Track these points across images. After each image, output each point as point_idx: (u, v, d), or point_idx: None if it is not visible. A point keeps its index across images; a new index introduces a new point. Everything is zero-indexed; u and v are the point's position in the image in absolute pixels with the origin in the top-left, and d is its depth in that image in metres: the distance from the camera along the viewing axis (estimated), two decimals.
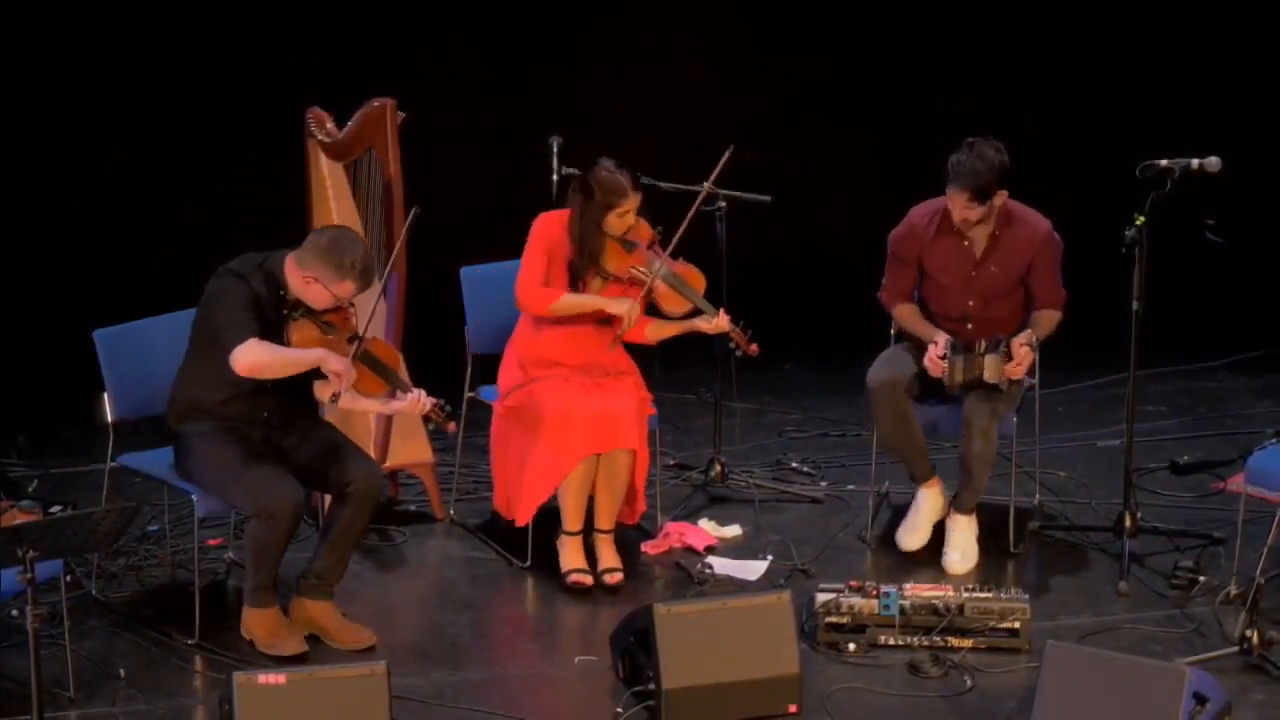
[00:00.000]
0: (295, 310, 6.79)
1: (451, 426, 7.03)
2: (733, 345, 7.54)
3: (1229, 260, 9.68)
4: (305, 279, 6.75)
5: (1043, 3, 10.49)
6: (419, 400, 6.92)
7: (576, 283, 7.39)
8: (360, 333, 6.84)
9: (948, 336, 7.39)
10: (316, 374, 6.85)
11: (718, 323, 7.44)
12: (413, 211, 6.89)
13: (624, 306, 7.35)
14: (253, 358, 6.69)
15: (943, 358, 7.33)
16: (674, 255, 7.44)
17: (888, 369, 7.46)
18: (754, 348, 7.52)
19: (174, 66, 9.78)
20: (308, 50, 9.69)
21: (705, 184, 7.54)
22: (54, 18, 9.67)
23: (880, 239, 7.64)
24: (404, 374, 7.16)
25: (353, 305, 6.90)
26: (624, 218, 7.34)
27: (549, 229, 7.40)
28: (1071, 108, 10.49)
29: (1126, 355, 7.34)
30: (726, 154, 7.43)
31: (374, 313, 6.89)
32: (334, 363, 6.75)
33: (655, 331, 7.52)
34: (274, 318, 6.79)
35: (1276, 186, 10.33)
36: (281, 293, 6.79)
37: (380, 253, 7.73)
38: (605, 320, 7.44)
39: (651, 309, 7.49)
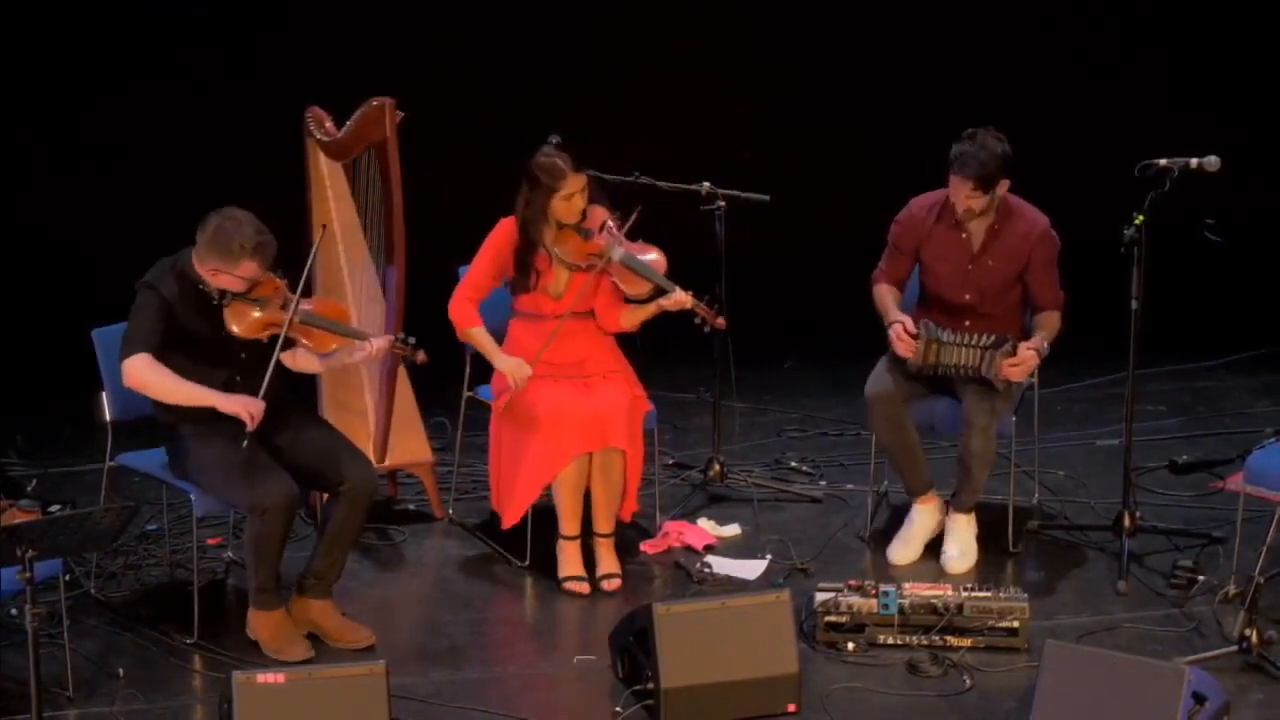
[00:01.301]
0: (224, 297, 6.81)
1: (421, 356, 7.03)
2: (699, 321, 7.47)
3: (1227, 259, 9.67)
4: (210, 272, 6.77)
5: (1042, 2, 10.49)
6: (377, 345, 6.96)
7: (528, 274, 7.36)
8: (294, 297, 6.84)
9: (909, 319, 7.38)
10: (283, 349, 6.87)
11: (678, 299, 7.38)
12: (322, 229, 6.99)
13: (509, 364, 7.32)
14: (139, 375, 6.73)
15: (915, 336, 7.33)
16: (633, 237, 7.42)
17: (884, 381, 7.44)
18: (721, 321, 7.49)
19: (173, 66, 9.78)
20: (308, 50, 9.69)
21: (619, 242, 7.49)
22: (53, 17, 9.67)
23: (879, 238, 7.64)
24: (354, 324, 7.14)
25: (282, 273, 6.89)
26: (570, 201, 7.29)
27: (510, 234, 7.38)
28: (1071, 107, 10.49)
29: (1125, 354, 7.34)
30: (635, 213, 7.41)
31: (307, 272, 6.86)
32: (230, 405, 6.74)
33: (628, 319, 7.49)
34: (199, 314, 6.80)
35: (1275, 185, 10.33)
36: (201, 287, 6.81)
37: (380, 253, 7.74)
38: (588, 316, 7.44)
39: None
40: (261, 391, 6.76)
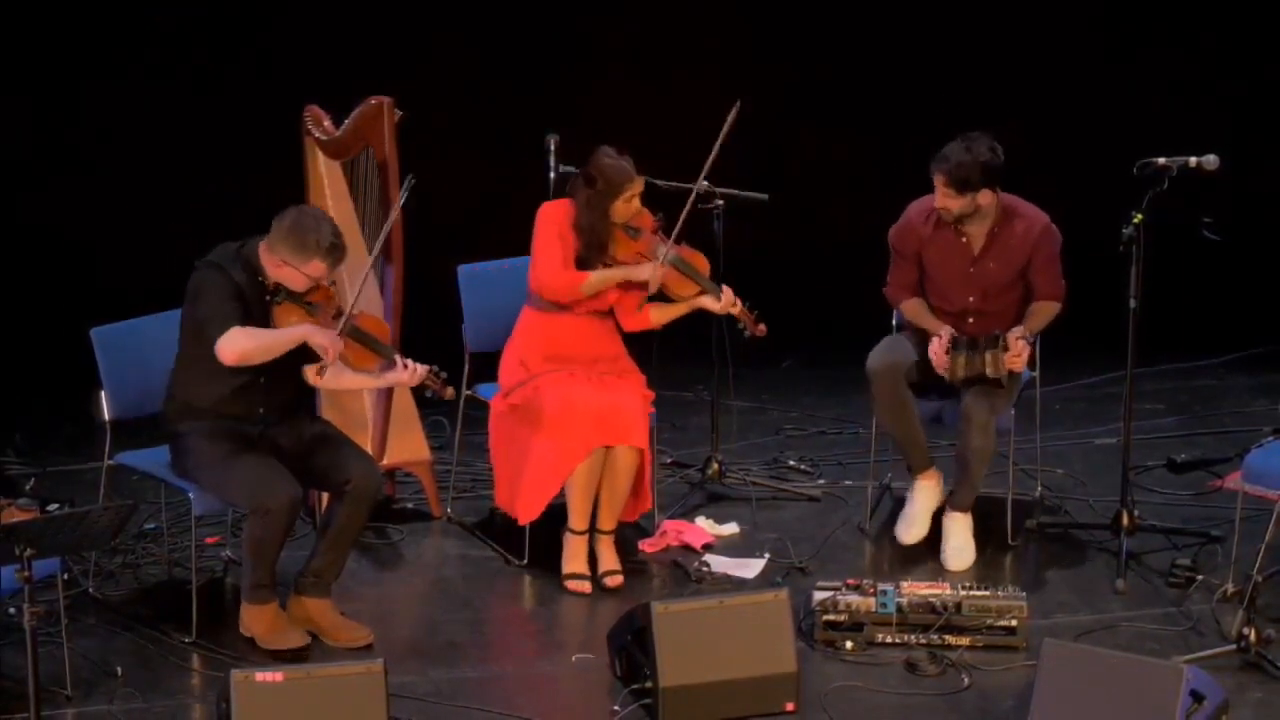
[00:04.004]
0: (278, 295, 6.80)
1: (449, 392, 7.02)
2: (740, 326, 7.57)
3: (1226, 258, 9.67)
4: (276, 264, 6.77)
5: (1041, 1, 10.49)
6: (413, 370, 6.94)
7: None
8: (346, 308, 6.85)
9: (952, 331, 7.40)
10: (308, 359, 6.86)
11: (727, 302, 7.47)
12: (408, 180, 6.92)
13: (647, 271, 7.36)
14: (238, 346, 6.69)
15: (946, 352, 7.34)
16: (677, 241, 7.46)
17: (888, 355, 7.46)
18: (761, 328, 7.55)
19: (173, 65, 9.78)
20: (306, 48, 9.69)
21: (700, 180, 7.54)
22: (53, 17, 9.67)
23: (878, 238, 7.65)
24: (394, 346, 7.16)
25: (333, 283, 6.91)
26: (630, 203, 7.37)
27: (556, 215, 7.42)
28: (1070, 106, 10.49)
29: (1124, 353, 7.34)
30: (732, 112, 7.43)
31: (362, 288, 6.89)
32: (319, 337, 6.76)
33: (659, 315, 7.53)
34: (257, 305, 6.80)
35: (1274, 184, 10.33)
36: (260, 279, 6.81)
37: (378, 251, 7.73)
38: (605, 314, 7.45)
39: (657, 295, 7.50)
40: (340, 328, 6.76)
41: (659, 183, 7.79)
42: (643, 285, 7.39)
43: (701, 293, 7.48)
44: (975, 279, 7.48)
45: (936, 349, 7.37)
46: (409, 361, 6.96)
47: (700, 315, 7.68)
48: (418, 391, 7.23)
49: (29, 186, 9.73)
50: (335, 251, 6.76)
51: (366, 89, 7.62)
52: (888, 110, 10.34)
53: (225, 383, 6.81)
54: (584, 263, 7.40)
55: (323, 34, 9.81)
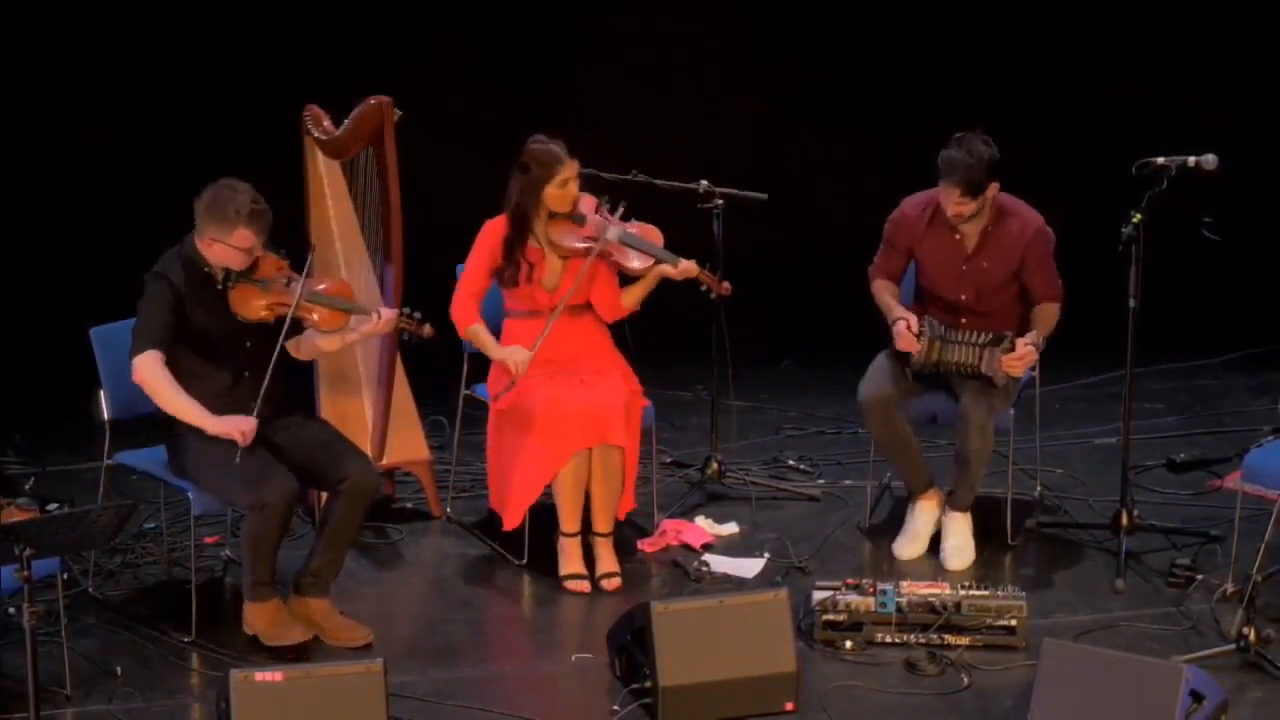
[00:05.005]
0: (229, 280, 6.81)
1: (427, 329, 7.05)
2: (704, 288, 7.55)
3: (1226, 258, 9.67)
4: (208, 244, 6.78)
5: (1040, 2, 10.49)
6: (384, 318, 6.97)
7: (518, 265, 7.36)
8: (298, 276, 6.84)
9: (914, 316, 7.40)
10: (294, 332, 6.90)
11: (685, 267, 7.44)
12: (311, 256, 6.97)
13: (506, 352, 7.34)
14: (150, 374, 6.75)
15: (919, 335, 7.34)
16: (625, 219, 7.44)
17: (876, 387, 7.45)
18: (725, 286, 7.55)
19: (171, 64, 9.78)
20: (306, 48, 9.69)
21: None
22: (50, 14, 9.67)
23: (878, 237, 7.64)
24: (358, 300, 7.16)
25: (284, 254, 6.89)
26: (565, 188, 7.33)
27: (494, 232, 7.40)
28: (1069, 106, 10.49)
29: (1124, 353, 7.34)
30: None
31: (311, 260, 6.90)
32: (218, 427, 6.75)
33: (629, 298, 7.52)
34: (206, 295, 6.81)
35: (1274, 184, 10.33)
36: (206, 269, 6.81)
37: (377, 251, 7.74)
38: (585, 306, 7.45)
39: (623, 280, 7.51)
40: (263, 387, 6.76)
41: (658, 182, 7.79)
42: (516, 366, 7.31)
43: (658, 263, 7.45)
44: (968, 277, 7.48)
45: (902, 331, 7.36)
46: (378, 310, 6.98)
47: (694, 312, 7.66)
48: (397, 336, 7.25)
49: (30, 187, 9.73)
50: (258, 217, 6.75)
51: (366, 89, 7.62)
52: (888, 110, 10.35)
53: (211, 382, 6.83)
54: (510, 249, 7.36)
55: (323, 34, 9.82)
